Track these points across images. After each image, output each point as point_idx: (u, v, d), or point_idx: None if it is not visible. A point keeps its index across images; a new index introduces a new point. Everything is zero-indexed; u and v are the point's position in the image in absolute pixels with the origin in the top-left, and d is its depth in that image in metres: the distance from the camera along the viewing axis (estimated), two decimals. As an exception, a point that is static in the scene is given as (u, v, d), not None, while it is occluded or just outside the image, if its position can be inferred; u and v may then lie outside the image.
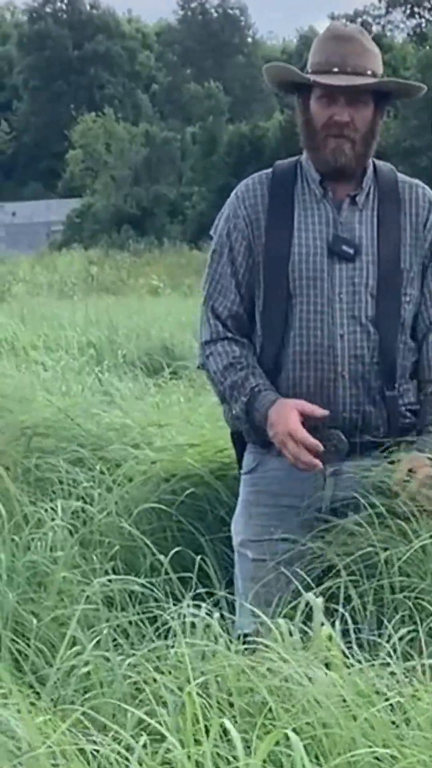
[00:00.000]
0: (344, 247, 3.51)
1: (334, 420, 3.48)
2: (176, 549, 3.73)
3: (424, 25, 58.70)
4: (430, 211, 3.61)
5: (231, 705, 2.56)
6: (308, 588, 3.12)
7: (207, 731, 2.33)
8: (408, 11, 59.53)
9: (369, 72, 3.47)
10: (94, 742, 2.38)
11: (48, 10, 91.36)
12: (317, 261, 3.51)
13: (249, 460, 3.65)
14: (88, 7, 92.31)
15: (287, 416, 3.37)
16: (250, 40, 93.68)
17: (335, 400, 3.49)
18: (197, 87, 65.67)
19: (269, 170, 3.67)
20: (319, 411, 3.39)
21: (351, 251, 3.50)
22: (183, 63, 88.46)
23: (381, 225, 3.56)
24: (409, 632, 2.85)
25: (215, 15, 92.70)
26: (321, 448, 3.34)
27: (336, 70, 3.45)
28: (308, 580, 3.21)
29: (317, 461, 3.34)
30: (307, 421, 3.37)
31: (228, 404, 3.57)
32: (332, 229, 3.53)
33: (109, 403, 5.64)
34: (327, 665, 2.56)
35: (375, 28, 61.84)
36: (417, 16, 59.13)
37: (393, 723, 2.38)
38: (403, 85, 3.64)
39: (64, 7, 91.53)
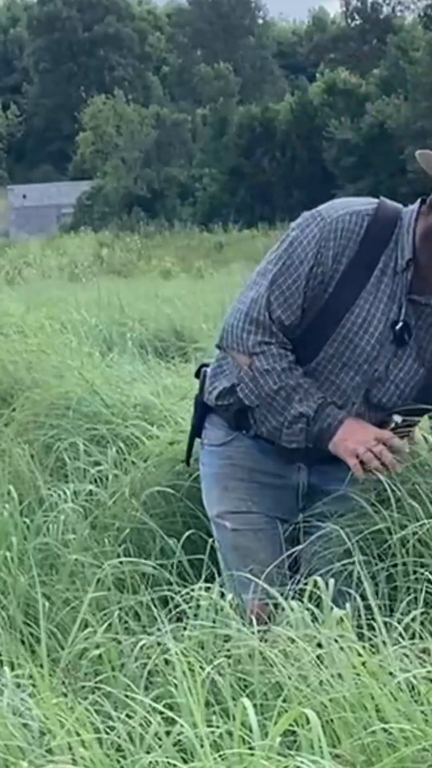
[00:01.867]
0: (406, 336, 3.41)
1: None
2: (188, 532, 3.72)
3: (434, 6, 58.41)
4: None
5: (245, 687, 2.56)
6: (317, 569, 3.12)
7: (224, 712, 2.34)
8: (419, -8, 59.28)
9: None
10: (109, 726, 2.38)
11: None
12: (374, 334, 3.39)
13: (221, 434, 3.59)
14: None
15: (369, 428, 3.34)
16: (260, 21, 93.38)
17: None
18: (208, 69, 65.57)
19: (372, 209, 3.42)
20: (398, 443, 3.32)
21: (408, 340, 3.41)
22: (193, 45, 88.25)
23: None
24: (422, 613, 2.85)
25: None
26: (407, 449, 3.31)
27: None
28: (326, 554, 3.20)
29: (397, 464, 3.29)
30: None
31: (278, 402, 3.39)
32: (395, 308, 3.40)
33: (125, 383, 5.63)
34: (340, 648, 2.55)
35: (385, 9, 61.69)
36: (428, -4, 58.85)
37: (409, 702, 2.37)
38: None
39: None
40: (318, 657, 2.53)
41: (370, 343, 3.38)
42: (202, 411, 3.65)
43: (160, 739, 2.36)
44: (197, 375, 3.72)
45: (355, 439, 3.30)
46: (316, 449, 3.38)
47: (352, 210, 3.40)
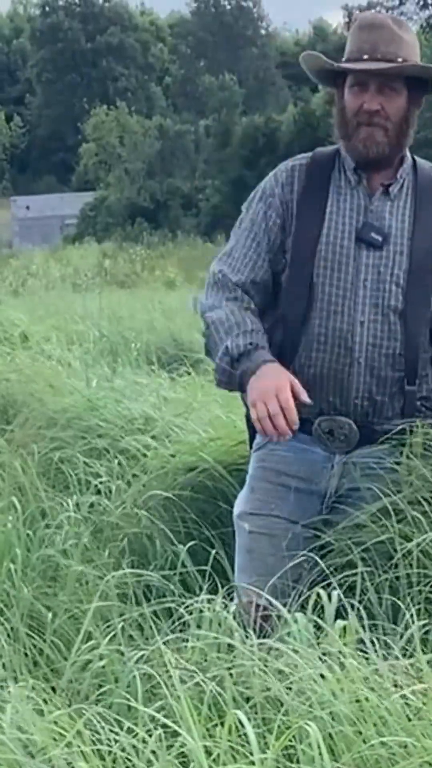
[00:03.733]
0: (373, 235, 3.50)
1: (345, 406, 3.48)
2: (191, 543, 3.73)
3: (437, 16, 58.46)
4: None
5: (247, 700, 2.56)
6: (323, 579, 3.12)
7: (223, 726, 2.33)
8: (421, 2, 59.36)
9: (400, 59, 3.45)
10: (110, 739, 2.38)
11: (60, 2, 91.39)
12: (344, 246, 3.51)
13: (259, 439, 3.64)
14: (100, 0, 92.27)
15: (279, 376, 3.29)
16: (263, 32, 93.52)
17: (348, 386, 3.48)
18: (211, 79, 65.67)
19: (309, 154, 3.67)
20: (305, 396, 3.28)
21: (379, 239, 3.50)
22: (196, 55, 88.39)
23: (417, 219, 3.54)
24: (425, 625, 2.85)
25: (228, 7, 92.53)
26: (297, 422, 3.23)
27: (366, 57, 3.45)
28: (325, 568, 3.20)
29: (288, 431, 3.22)
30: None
31: (222, 338, 3.45)
32: (362, 217, 3.53)
33: (126, 396, 5.64)
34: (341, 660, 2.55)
35: (388, 20, 61.67)
36: (430, 7, 58.95)
37: (407, 718, 2.37)
38: (429, 70, 3.55)
39: (76, 0, 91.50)
40: (321, 669, 2.53)
41: (348, 256, 3.49)
42: (247, 421, 3.73)
43: (162, 749, 2.36)
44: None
45: (258, 388, 3.29)
46: (347, 437, 3.47)
47: (291, 158, 3.68)
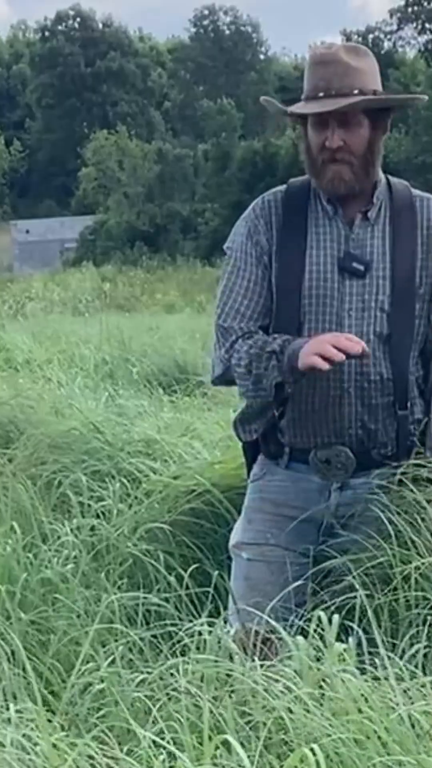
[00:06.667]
0: (354, 264, 3.48)
1: (340, 437, 3.48)
2: (194, 566, 3.73)
3: (435, 40, 58.73)
4: None
5: (248, 723, 2.56)
6: (321, 602, 3.12)
7: (226, 747, 2.33)
8: (419, 27, 59.61)
9: (356, 91, 3.41)
10: (112, 761, 2.38)
11: (60, 28, 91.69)
12: (328, 279, 3.49)
13: (257, 470, 3.65)
14: (100, 25, 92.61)
15: (324, 335, 3.32)
16: (262, 56, 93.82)
17: (341, 417, 3.48)
18: (210, 104, 65.74)
19: (283, 187, 3.65)
20: (357, 346, 3.24)
21: (361, 268, 3.48)
22: (195, 80, 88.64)
23: (396, 241, 3.53)
24: (425, 647, 2.85)
25: (227, 32, 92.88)
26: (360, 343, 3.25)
27: (321, 94, 3.42)
28: (320, 593, 3.21)
29: (357, 346, 3.23)
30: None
31: (256, 370, 3.45)
32: (343, 246, 3.51)
33: (128, 419, 5.64)
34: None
35: (386, 44, 62.00)
36: (428, 32, 59.22)
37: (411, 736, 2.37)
38: (383, 101, 3.52)
39: (76, 25, 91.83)
40: (320, 691, 2.53)
41: (332, 288, 3.48)
42: (244, 452, 3.75)
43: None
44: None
45: (311, 346, 3.27)
46: (344, 465, 3.46)
47: (267, 193, 3.65)
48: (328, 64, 3.44)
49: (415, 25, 59.92)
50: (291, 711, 2.48)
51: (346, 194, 3.49)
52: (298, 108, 3.50)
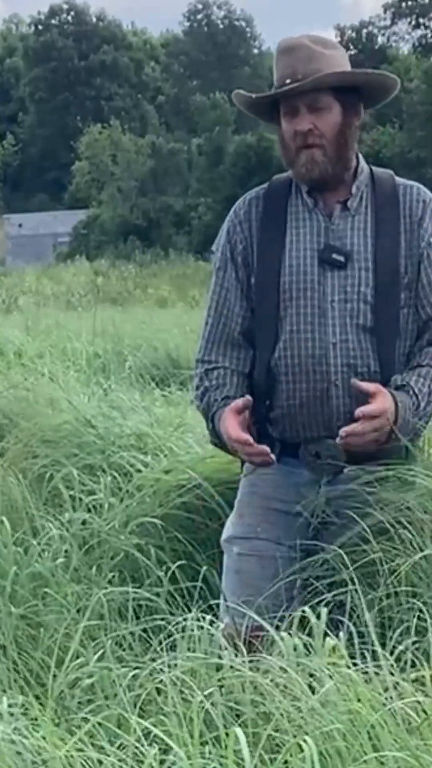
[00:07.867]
0: (334, 255, 3.48)
1: (328, 430, 3.48)
2: (180, 562, 3.73)
3: (429, 36, 58.82)
4: (424, 210, 3.56)
5: (238, 716, 2.56)
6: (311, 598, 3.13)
7: (216, 741, 2.33)
8: (413, 22, 59.67)
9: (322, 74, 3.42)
10: (102, 755, 2.38)
11: (53, 22, 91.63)
12: (308, 272, 3.49)
13: (248, 465, 3.65)
14: (93, 19, 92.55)
15: (227, 426, 3.42)
16: (256, 51, 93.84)
17: (329, 410, 3.48)
18: (203, 98, 65.74)
19: (266, 185, 3.66)
20: (241, 401, 3.43)
21: (342, 259, 3.47)
22: (189, 74, 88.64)
23: (379, 231, 3.52)
24: (414, 642, 2.85)
25: (221, 26, 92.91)
26: (251, 442, 3.37)
27: (288, 81, 3.43)
28: (318, 586, 3.21)
29: (268, 455, 3.37)
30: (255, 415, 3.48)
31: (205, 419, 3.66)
32: (323, 238, 3.51)
33: (120, 412, 5.64)
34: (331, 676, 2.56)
35: (380, 39, 62.05)
36: (422, 27, 59.27)
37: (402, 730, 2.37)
38: (346, 75, 3.51)
39: (69, 19, 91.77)
40: (310, 686, 2.53)
41: (312, 281, 3.48)
42: None
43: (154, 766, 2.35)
44: None
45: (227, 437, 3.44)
46: (334, 458, 3.48)
47: (249, 192, 3.70)
48: (293, 50, 3.46)
49: (409, 20, 59.98)
50: (281, 704, 2.48)
51: (322, 179, 3.48)
52: (263, 94, 3.52)
